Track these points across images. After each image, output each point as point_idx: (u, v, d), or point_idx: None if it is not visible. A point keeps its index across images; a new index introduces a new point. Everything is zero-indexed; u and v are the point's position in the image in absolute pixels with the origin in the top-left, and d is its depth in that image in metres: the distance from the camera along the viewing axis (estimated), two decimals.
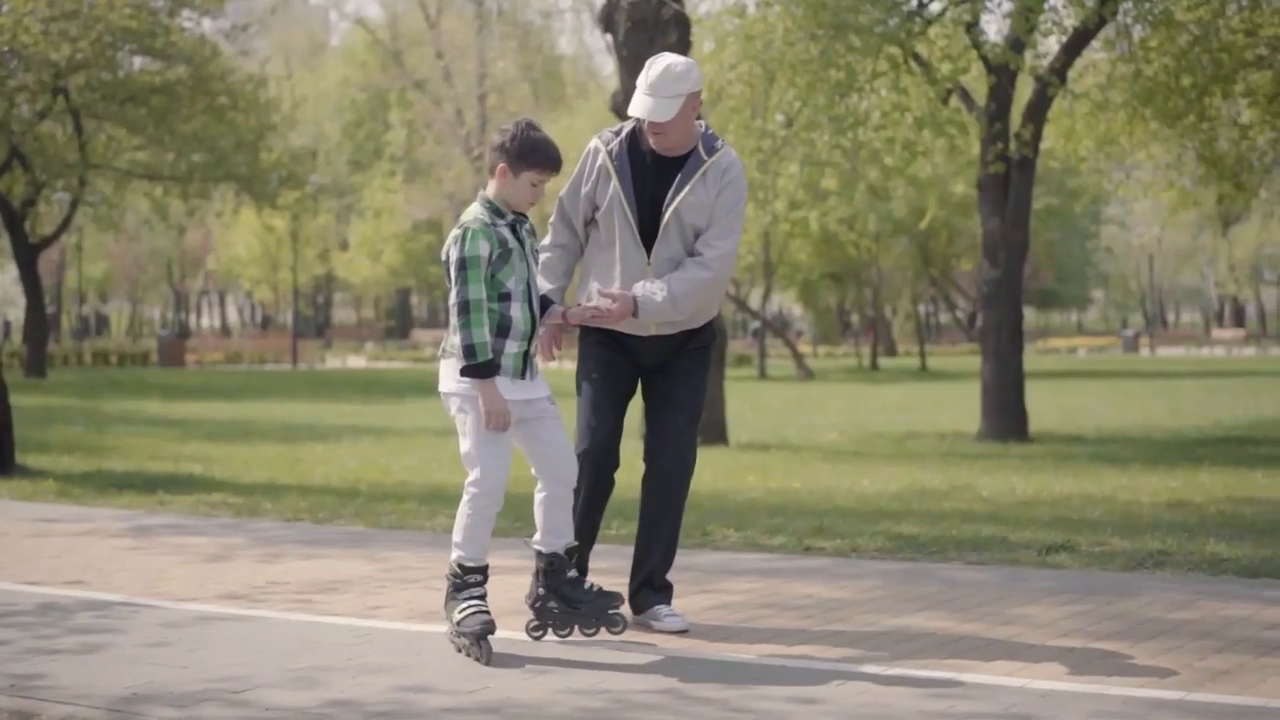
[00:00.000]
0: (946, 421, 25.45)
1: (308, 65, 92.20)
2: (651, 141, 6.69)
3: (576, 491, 6.66)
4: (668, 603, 6.91)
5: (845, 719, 5.30)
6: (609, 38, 19.78)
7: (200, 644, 6.63)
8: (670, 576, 7.01)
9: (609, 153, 6.74)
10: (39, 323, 41.57)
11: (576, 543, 6.61)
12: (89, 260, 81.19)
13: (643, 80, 6.61)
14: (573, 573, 6.54)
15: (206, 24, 41.46)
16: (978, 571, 8.43)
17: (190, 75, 38.22)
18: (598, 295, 6.66)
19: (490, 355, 6.24)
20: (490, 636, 6.23)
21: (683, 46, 19.42)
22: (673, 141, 6.68)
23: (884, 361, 64.51)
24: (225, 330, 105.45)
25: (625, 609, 6.64)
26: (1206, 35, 20.48)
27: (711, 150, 6.74)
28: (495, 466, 6.33)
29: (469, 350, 6.22)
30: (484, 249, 6.25)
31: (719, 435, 19.43)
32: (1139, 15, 20.60)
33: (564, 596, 6.52)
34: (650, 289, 6.62)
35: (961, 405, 29.12)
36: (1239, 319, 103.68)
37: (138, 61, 40.00)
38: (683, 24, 19.31)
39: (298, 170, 43.40)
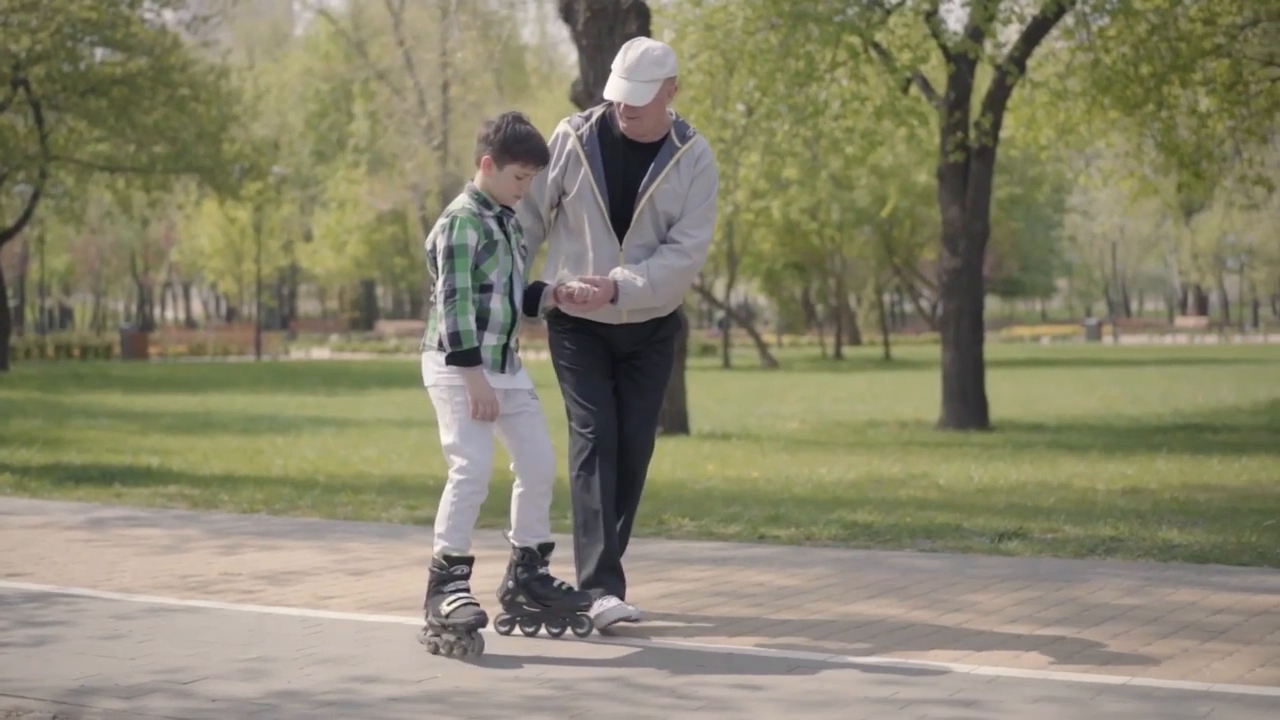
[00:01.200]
0: (908, 410, 25.51)
1: (271, 56, 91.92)
2: (624, 126, 6.64)
3: (590, 481, 6.63)
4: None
5: (791, 706, 5.31)
6: (570, 27, 19.75)
7: (150, 636, 6.62)
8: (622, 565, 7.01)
9: (579, 138, 6.68)
10: (1, 316, 41.34)
11: (552, 540, 6.55)
12: (52, 253, 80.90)
13: (619, 64, 6.55)
14: (544, 569, 6.50)
15: (168, 15, 41.24)
16: (929, 559, 8.46)
17: (151, 66, 38.08)
18: (579, 281, 6.57)
19: (476, 343, 6.19)
20: (480, 629, 6.15)
21: (642, 36, 19.41)
22: (646, 127, 6.64)
23: (848, 351, 64.63)
24: (190, 323, 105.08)
25: (593, 610, 6.52)
26: (1165, 24, 20.55)
27: (684, 137, 6.70)
28: (480, 454, 6.25)
29: (454, 338, 6.18)
30: (471, 238, 6.23)
31: (680, 425, 19.43)
32: (1097, 4, 20.66)
33: (533, 593, 6.47)
34: (630, 275, 6.58)
35: (923, 394, 29.21)
36: (1202, 307, 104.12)
37: (99, 53, 39.82)
38: (642, 13, 19.29)
39: (260, 161, 43.26)
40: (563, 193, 6.73)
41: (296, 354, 64.48)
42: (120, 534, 9.86)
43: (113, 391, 33.43)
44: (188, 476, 13.78)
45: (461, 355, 6.20)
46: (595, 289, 6.51)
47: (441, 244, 6.26)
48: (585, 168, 6.63)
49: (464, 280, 6.20)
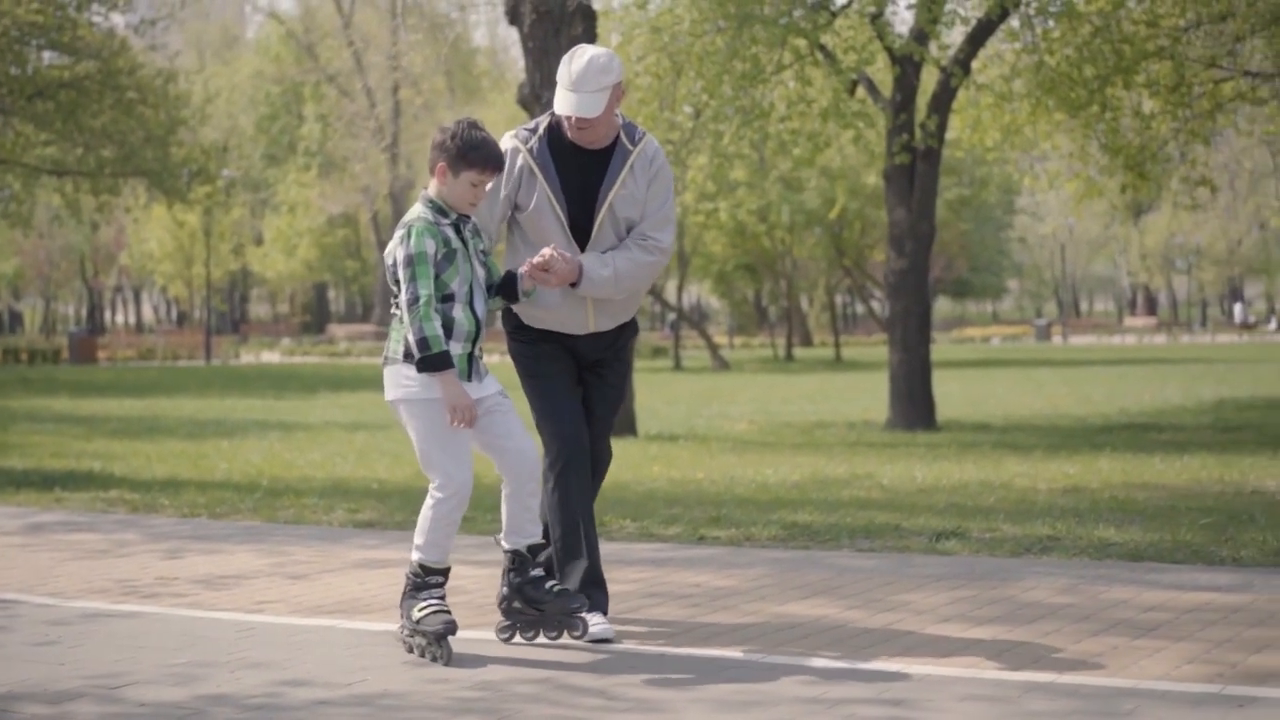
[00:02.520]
0: (856, 411, 25.57)
1: (221, 59, 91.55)
2: (575, 137, 6.52)
3: (567, 495, 6.50)
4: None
5: (719, 706, 5.32)
6: (517, 29, 19.77)
7: (82, 641, 6.59)
8: None
9: (529, 151, 6.54)
10: None
11: (543, 541, 6.44)
12: (0, 257, 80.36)
13: (564, 75, 6.42)
14: (536, 571, 6.37)
15: (115, 18, 41.01)
16: (867, 558, 8.48)
17: (99, 70, 37.87)
18: (552, 249, 6.37)
19: (445, 347, 6.09)
20: (451, 637, 6.08)
21: (589, 38, 19.41)
22: (598, 135, 6.53)
23: (799, 352, 64.75)
24: (140, 327, 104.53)
25: (589, 613, 6.40)
26: (1108, 26, 20.66)
27: (634, 139, 6.61)
28: (456, 468, 6.16)
29: (423, 343, 6.05)
30: (430, 246, 6.13)
31: (627, 427, 19.43)
32: (1041, 7, 20.75)
33: (526, 597, 6.35)
34: (596, 263, 6.47)
35: (873, 395, 29.28)
36: (1151, 307, 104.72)
37: (45, 56, 39.58)
38: (588, 16, 19.32)
39: (208, 165, 43.06)
40: (517, 207, 6.61)
41: (247, 358, 64.23)
42: (58, 539, 9.81)
43: (59, 396, 33.24)
44: (129, 481, 13.71)
45: (432, 360, 6.08)
46: (564, 262, 6.35)
47: (401, 254, 6.16)
48: (540, 181, 6.51)
49: (426, 288, 6.09)
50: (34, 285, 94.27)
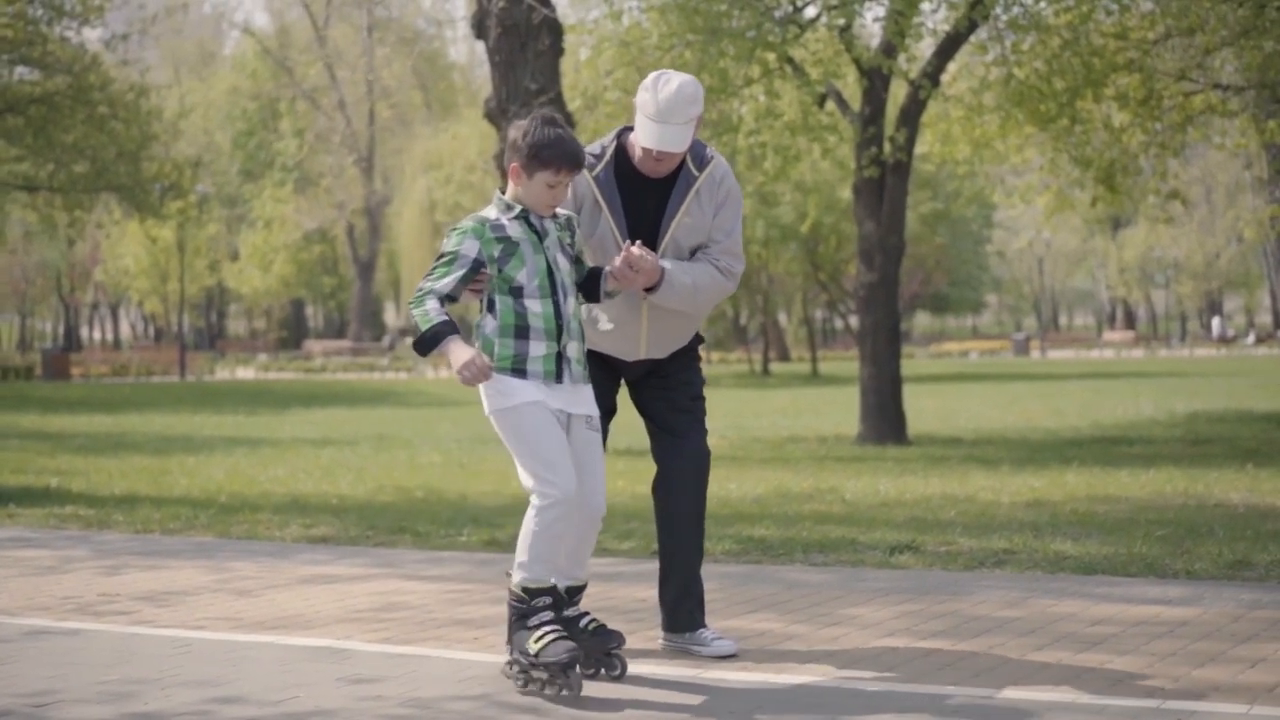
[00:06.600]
0: (829, 425, 25.52)
1: (198, 75, 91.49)
2: (650, 169, 6.17)
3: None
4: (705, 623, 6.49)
5: None
6: (483, 43, 19.76)
7: (16, 657, 6.50)
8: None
9: (595, 180, 6.17)
10: None
11: (583, 584, 6.06)
12: None
13: (649, 105, 6.02)
14: (571, 610, 5.98)
15: (88, 33, 40.89)
16: (819, 573, 8.41)
17: (70, 85, 37.76)
18: (638, 246, 5.95)
19: (436, 320, 5.65)
20: (578, 667, 5.64)
21: (554, 52, 19.42)
22: (673, 165, 6.18)
23: (776, 367, 64.70)
24: (117, 343, 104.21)
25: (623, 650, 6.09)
26: (1077, 39, 20.64)
27: (701, 163, 6.24)
28: (559, 476, 5.67)
29: (416, 329, 5.69)
30: (470, 248, 5.73)
31: None
32: (1010, 21, 20.73)
33: None
34: (679, 270, 6.14)
35: (846, 409, 29.22)
36: (1130, 321, 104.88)
37: (16, 71, 39.46)
38: (554, 29, 19.32)
39: (181, 180, 42.93)
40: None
41: (222, 374, 63.98)
42: (7, 555, 9.72)
43: (30, 412, 33.10)
44: (86, 497, 13.62)
45: (424, 339, 5.69)
46: (650, 259, 5.95)
47: (441, 245, 5.85)
48: (605, 213, 6.16)
49: (435, 282, 5.72)
50: (9, 302, 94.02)
